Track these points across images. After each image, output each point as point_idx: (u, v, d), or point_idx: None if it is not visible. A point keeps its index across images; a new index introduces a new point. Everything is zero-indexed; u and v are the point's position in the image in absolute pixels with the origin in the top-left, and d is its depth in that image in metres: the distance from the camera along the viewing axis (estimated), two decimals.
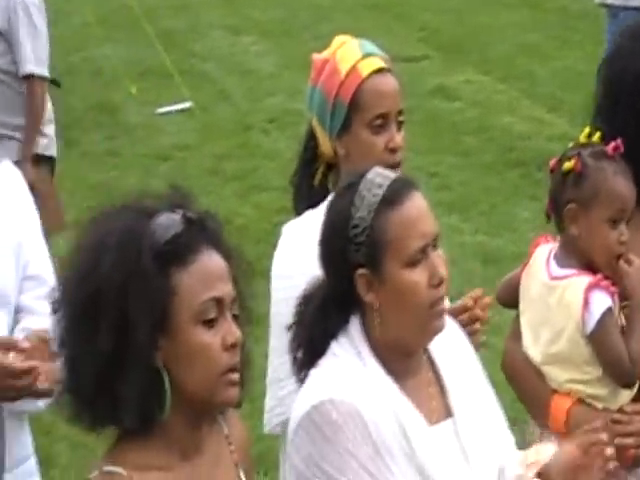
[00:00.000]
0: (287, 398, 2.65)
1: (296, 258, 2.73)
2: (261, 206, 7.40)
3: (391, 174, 2.24)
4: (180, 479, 1.99)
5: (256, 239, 6.20)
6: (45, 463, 4.71)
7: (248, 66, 10.27)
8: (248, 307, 2.07)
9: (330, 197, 2.61)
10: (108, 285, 1.91)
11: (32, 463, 2.92)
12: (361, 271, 2.16)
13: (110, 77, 10.03)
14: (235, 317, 1.97)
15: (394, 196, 2.17)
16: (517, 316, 2.76)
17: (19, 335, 2.76)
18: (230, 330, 1.94)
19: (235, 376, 1.96)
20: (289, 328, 2.32)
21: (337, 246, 2.20)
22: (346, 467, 2.10)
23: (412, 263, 2.14)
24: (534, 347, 2.68)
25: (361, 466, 2.11)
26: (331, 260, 2.23)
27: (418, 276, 2.15)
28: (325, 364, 2.21)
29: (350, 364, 2.19)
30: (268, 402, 2.70)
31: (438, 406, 2.26)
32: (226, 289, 1.96)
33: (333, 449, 2.11)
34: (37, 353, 2.61)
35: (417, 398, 2.21)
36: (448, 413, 2.26)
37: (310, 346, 2.27)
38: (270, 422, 2.73)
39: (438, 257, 2.18)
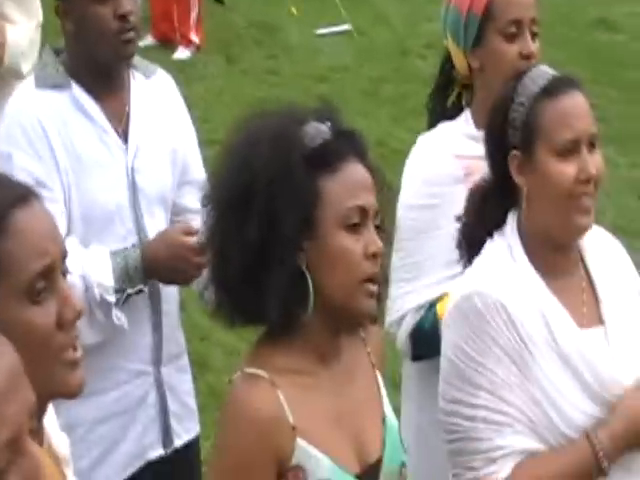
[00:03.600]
0: (402, 297, 2.78)
1: (429, 165, 2.80)
2: (415, 130, 7.41)
3: (556, 72, 2.31)
4: (319, 383, 2.07)
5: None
6: (201, 367, 4.94)
7: None
8: (388, 226, 2.15)
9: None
10: (259, 179, 1.98)
11: (185, 360, 3.08)
12: (515, 152, 2.26)
13: None
14: (377, 229, 2.03)
15: (554, 88, 2.26)
16: None
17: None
18: (372, 239, 1.99)
19: (373, 287, 2.01)
20: (457, 219, 2.43)
21: (497, 127, 2.32)
22: (488, 352, 2.21)
23: (561, 153, 2.23)
24: None
25: (503, 351, 2.21)
26: (491, 140, 2.35)
27: (565, 167, 2.23)
28: (478, 260, 2.32)
29: (501, 260, 2.29)
30: (388, 301, 2.76)
31: (589, 312, 2.32)
32: (370, 200, 2.01)
33: (476, 335, 2.22)
34: None
35: (567, 300, 2.28)
36: (599, 321, 2.32)
37: (470, 242, 2.38)
38: (387, 320, 2.80)
39: (592, 157, 2.24)
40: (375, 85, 8.36)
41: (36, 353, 1.56)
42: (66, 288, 1.63)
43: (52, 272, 1.59)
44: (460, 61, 2.81)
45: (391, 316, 2.79)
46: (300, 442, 2.00)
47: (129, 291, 2.74)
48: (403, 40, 9.22)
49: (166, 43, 9.05)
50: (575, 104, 2.26)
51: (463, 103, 2.87)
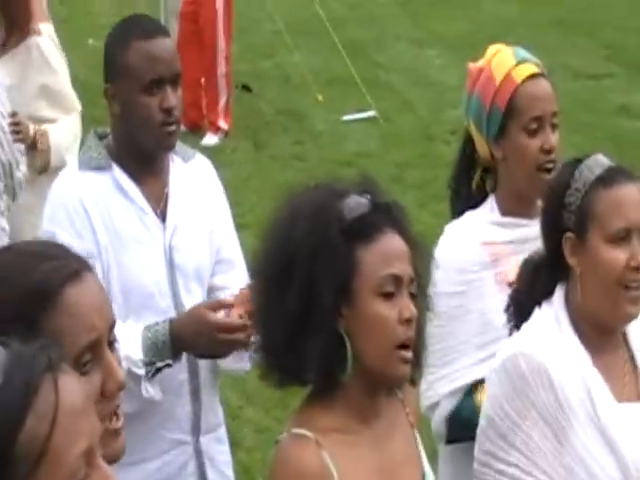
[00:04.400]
0: (436, 383, 2.86)
1: (458, 253, 2.90)
2: (440, 215, 7.51)
3: (612, 162, 2.44)
4: (359, 441, 2.17)
5: (434, 246, 6.32)
6: (232, 445, 4.99)
7: (431, 78, 10.40)
8: (426, 292, 2.25)
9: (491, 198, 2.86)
10: (299, 251, 2.10)
11: (223, 431, 3.16)
12: (569, 234, 2.38)
13: (298, 84, 10.30)
14: (412, 296, 2.13)
15: (610, 178, 2.38)
16: None
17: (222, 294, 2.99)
18: (406, 305, 2.10)
19: (407, 353, 2.11)
20: (509, 285, 2.55)
21: (553, 209, 2.44)
22: (526, 414, 2.30)
23: (613, 240, 2.34)
24: None
25: (540, 415, 2.30)
26: (547, 222, 2.46)
27: (616, 254, 2.34)
28: (526, 325, 2.42)
29: (547, 328, 2.39)
30: (421, 386, 2.84)
31: (629, 388, 2.42)
32: (405, 269, 2.12)
33: (517, 395, 2.31)
34: (243, 307, 2.80)
35: (608, 374, 2.37)
36: (638, 397, 2.41)
37: (518, 309, 2.49)
38: (422, 405, 2.86)
39: None
40: (400, 170, 8.48)
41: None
42: (111, 360, 1.71)
43: (98, 345, 1.67)
44: (483, 148, 2.90)
45: (425, 401, 2.85)
46: None
47: (158, 365, 2.80)
48: (428, 126, 9.37)
49: (195, 130, 9.23)
50: (628, 194, 2.38)
51: (487, 188, 2.95)
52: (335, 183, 2.23)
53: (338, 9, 12.94)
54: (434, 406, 2.85)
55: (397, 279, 2.11)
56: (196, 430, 3.00)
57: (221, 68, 9.03)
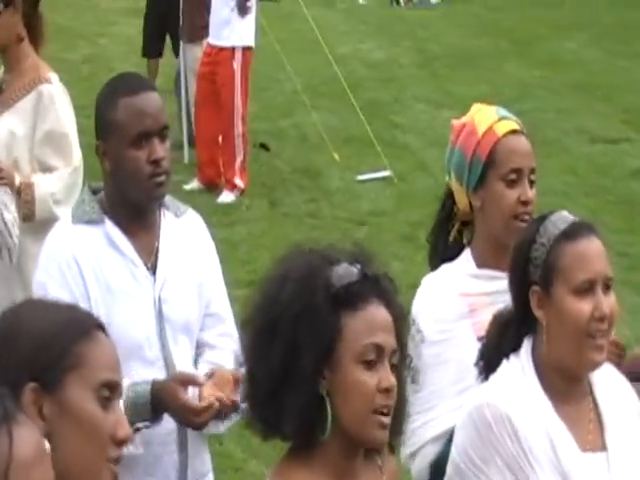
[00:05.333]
0: (419, 429, 2.92)
1: (436, 304, 2.96)
2: None
3: (576, 218, 2.50)
4: None
5: None
6: None
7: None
8: (409, 363, 2.31)
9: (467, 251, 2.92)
10: (285, 312, 2.15)
11: (211, 478, 3.19)
12: (535, 288, 2.43)
13: (315, 143, 10.41)
14: (394, 367, 2.17)
15: (573, 232, 2.45)
16: None
17: (203, 367, 3.06)
18: (386, 376, 2.14)
19: (384, 419, 2.14)
20: (479, 340, 2.63)
21: (520, 264, 2.49)
22: (491, 461, 2.36)
23: (578, 292, 2.40)
24: None
25: (504, 462, 2.37)
26: (514, 275, 2.52)
27: (582, 305, 2.39)
28: (494, 377, 2.49)
29: (513, 379, 2.45)
30: (404, 434, 2.88)
31: (594, 438, 2.45)
32: (387, 339, 2.16)
33: (482, 443, 2.38)
34: (219, 386, 2.90)
35: (572, 424, 2.42)
36: (603, 447, 2.44)
37: (487, 359, 2.55)
38: (403, 453, 2.92)
39: (607, 298, 2.41)
40: (413, 229, 8.51)
41: (91, 448, 1.76)
42: (122, 413, 1.83)
43: (115, 390, 1.81)
44: (462, 199, 2.98)
45: (407, 448, 2.91)
46: None
47: (138, 425, 2.83)
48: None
49: (211, 187, 9.34)
50: (592, 247, 2.44)
51: (464, 241, 3.02)
52: (329, 250, 2.29)
53: (359, 69, 13.11)
54: (415, 453, 2.91)
55: (379, 348, 2.16)
56: (183, 478, 3.04)
57: (238, 128, 9.11)
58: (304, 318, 2.15)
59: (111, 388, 1.82)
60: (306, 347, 2.14)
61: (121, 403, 2.67)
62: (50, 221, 4.37)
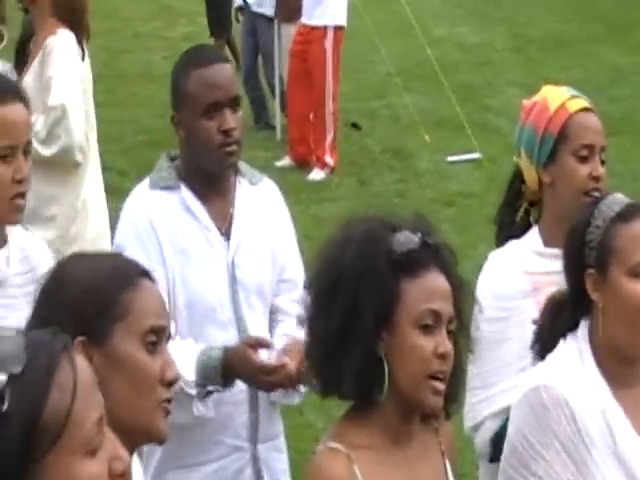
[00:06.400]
0: (478, 405, 2.94)
1: (500, 281, 2.97)
2: None
3: (630, 200, 2.51)
4: (390, 461, 2.26)
5: None
6: None
7: None
8: (467, 332, 2.33)
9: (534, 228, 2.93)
10: (347, 272, 2.21)
11: (282, 441, 3.26)
12: (590, 271, 2.43)
13: (407, 124, 10.47)
14: (452, 334, 2.22)
15: (628, 214, 2.44)
16: None
17: (279, 340, 3.11)
18: (442, 341, 2.19)
19: (439, 384, 2.20)
20: (534, 322, 2.62)
21: (575, 247, 2.49)
22: (549, 444, 2.36)
23: (634, 274, 2.39)
24: None
25: (562, 446, 2.36)
26: (569, 259, 2.52)
27: (638, 286, 2.38)
28: (550, 358, 2.48)
29: (571, 361, 2.44)
30: (465, 408, 2.92)
31: None
32: (445, 307, 2.21)
33: (540, 426, 2.37)
34: (291, 354, 2.94)
35: (629, 407, 2.41)
36: None
37: (542, 342, 2.54)
38: (465, 425, 2.98)
39: None
40: None
41: (141, 393, 1.86)
42: (170, 355, 1.93)
43: (162, 334, 1.90)
44: (531, 176, 2.99)
45: (468, 422, 2.96)
46: None
47: (209, 388, 2.96)
48: None
49: (302, 164, 9.48)
50: None
51: (531, 220, 3.03)
52: (391, 217, 2.33)
53: (453, 52, 13.09)
54: (477, 427, 2.95)
55: (436, 315, 2.20)
56: (253, 438, 3.15)
57: (328, 106, 9.20)
58: (365, 279, 2.20)
59: (157, 333, 1.90)
60: (366, 307, 2.21)
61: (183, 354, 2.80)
62: (50, 162, 4.59)
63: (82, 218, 4.80)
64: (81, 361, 1.46)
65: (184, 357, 2.91)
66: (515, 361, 2.86)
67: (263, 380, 2.97)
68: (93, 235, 4.82)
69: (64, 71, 4.66)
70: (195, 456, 3.07)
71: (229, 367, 2.96)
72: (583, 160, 2.92)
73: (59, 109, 4.62)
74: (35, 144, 4.24)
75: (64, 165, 4.70)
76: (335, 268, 2.26)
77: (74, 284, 1.88)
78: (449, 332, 2.22)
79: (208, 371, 2.94)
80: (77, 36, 4.78)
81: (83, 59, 4.82)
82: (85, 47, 4.88)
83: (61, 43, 4.69)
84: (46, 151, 4.59)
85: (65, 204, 4.76)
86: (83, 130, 4.69)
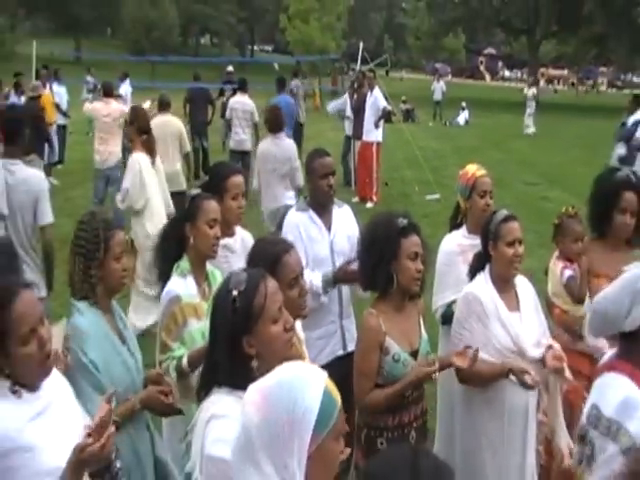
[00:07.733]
0: (439, 302, 5.53)
1: (448, 247, 5.55)
2: None
3: (507, 212, 4.78)
4: (396, 318, 4.43)
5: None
6: None
7: None
8: (426, 263, 4.48)
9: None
10: (378, 236, 4.36)
11: (353, 319, 5.56)
12: (491, 243, 4.77)
13: (406, 182, 16.24)
14: (423, 262, 4.43)
15: (507, 218, 4.74)
16: None
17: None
18: (418, 264, 4.36)
19: (418, 282, 4.47)
20: (469, 265, 4.96)
21: (484, 232, 4.81)
22: (470, 314, 4.60)
23: (508, 244, 4.74)
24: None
25: (476, 316, 4.53)
26: (483, 238, 4.83)
27: (508, 251, 4.77)
28: (473, 281, 4.74)
29: (481, 281, 4.69)
30: (432, 301, 5.61)
31: (515, 305, 4.66)
32: (419, 250, 4.37)
33: (466, 309, 4.61)
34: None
35: (506, 300, 4.63)
36: (518, 309, 4.64)
37: (472, 273, 4.85)
38: (432, 309, 5.48)
39: (520, 248, 4.51)
40: None
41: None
42: (303, 285, 3.54)
43: (299, 278, 3.53)
44: (463, 204, 5.45)
45: (434, 307, 5.44)
46: (387, 338, 4.21)
47: (328, 289, 5.40)
48: None
49: (363, 200, 16.09)
50: (516, 225, 4.74)
51: (464, 221, 5.48)
52: (400, 214, 4.27)
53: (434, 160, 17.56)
54: (436, 310, 5.41)
55: (416, 253, 4.12)
56: (340, 316, 5.58)
57: (375, 175, 15.68)
58: (387, 237, 4.16)
59: (296, 279, 3.37)
60: (387, 249, 4.15)
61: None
62: (132, 210, 7.44)
63: None
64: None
65: (315, 276, 5.29)
66: (454, 282, 5.21)
67: (350, 272, 5.26)
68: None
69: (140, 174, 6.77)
70: (317, 323, 5.40)
71: (336, 278, 5.31)
72: (482, 196, 5.29)
73: (129, 191, 6.57)
74: (118, 202, 6.24)
75: None
76: (372, 234, 4.21)
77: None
78: (422, 262, 4.15)
79: (326, 282, 5.31)
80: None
81: None
82: None
83: (137, 158, 6.80)
84: (122, 205, 6.67)
85: None
86: None
